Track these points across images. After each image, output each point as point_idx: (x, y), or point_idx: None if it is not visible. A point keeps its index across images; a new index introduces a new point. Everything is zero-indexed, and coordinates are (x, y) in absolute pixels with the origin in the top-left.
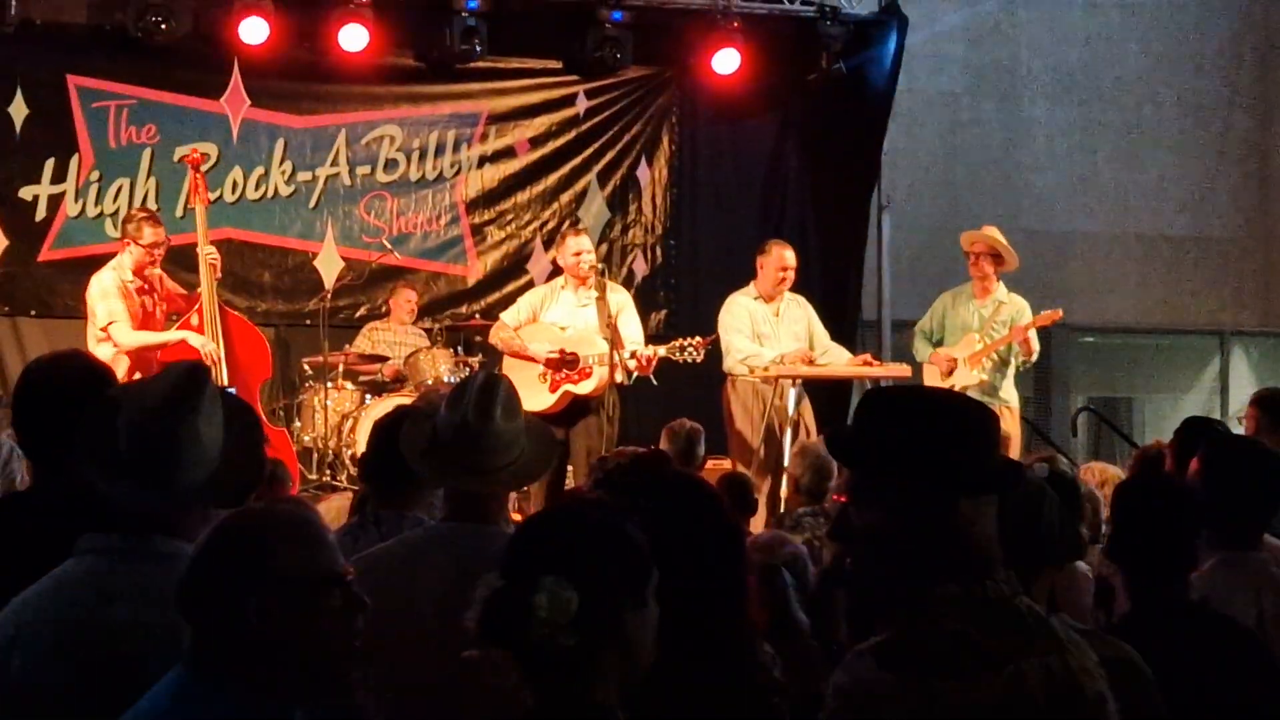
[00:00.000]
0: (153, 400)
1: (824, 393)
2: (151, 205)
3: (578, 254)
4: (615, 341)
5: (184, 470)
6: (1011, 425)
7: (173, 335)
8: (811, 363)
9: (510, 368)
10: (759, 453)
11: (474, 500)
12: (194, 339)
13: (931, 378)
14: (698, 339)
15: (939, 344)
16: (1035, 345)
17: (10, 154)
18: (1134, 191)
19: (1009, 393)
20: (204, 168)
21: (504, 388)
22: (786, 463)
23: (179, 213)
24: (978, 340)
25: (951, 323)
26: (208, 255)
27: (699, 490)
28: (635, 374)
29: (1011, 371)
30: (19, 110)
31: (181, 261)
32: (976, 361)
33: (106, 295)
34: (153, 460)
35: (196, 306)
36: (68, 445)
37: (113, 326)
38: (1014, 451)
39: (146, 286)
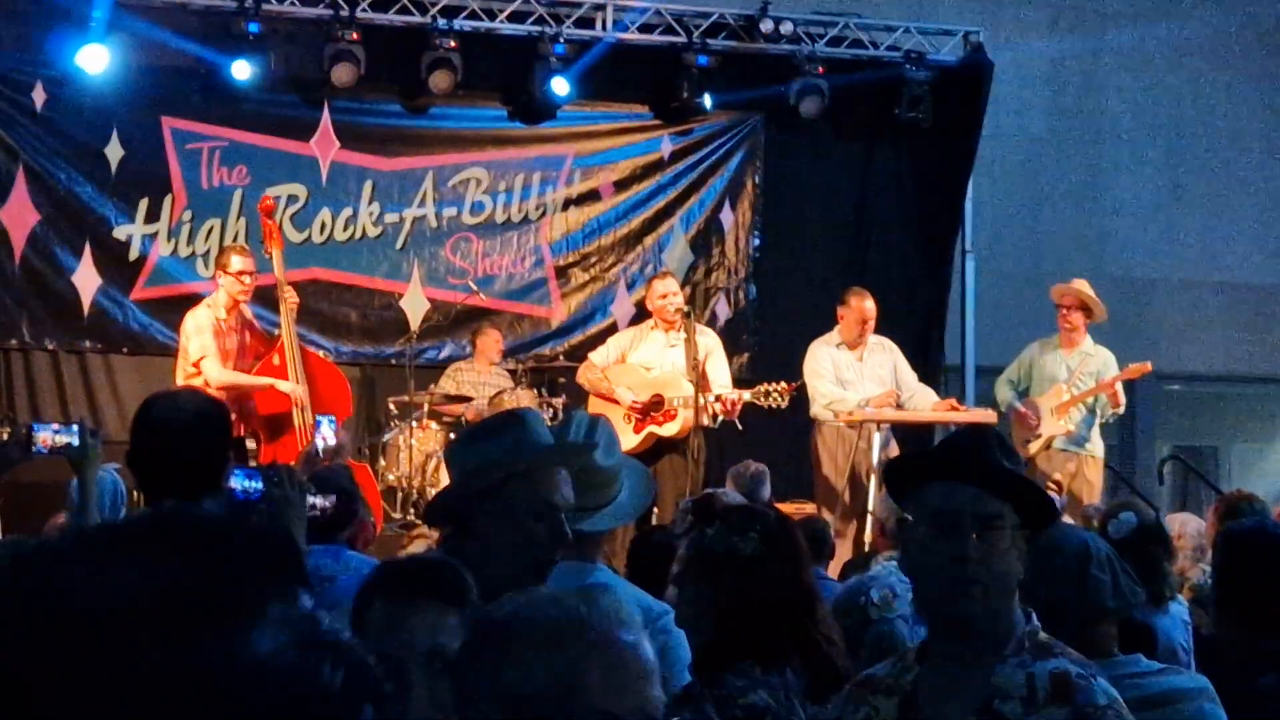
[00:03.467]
0: None
1: (908, 436)
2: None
3: (664, 296)
4: (701, 384)
5: None
6: (1094, 474)
7: (261, 380)
8: (898, 405)
9: (595, 407)
10: (844, 497)
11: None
12: (282, 385)
13: (1019, 428)
14: (783, 385)
15: (1025, 393)
16: (1123, 398)
17: (106, 194)
18: (1220, 238)
19: (1095, 444)
20: (277, 214)
21: (603, 426)
22: (871, 506)
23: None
24: (1065, 391)
25: (1039, 373)
26: (288, 297)
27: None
28: (720, 417)
29: (1097, 422)
30: (115, 151)
31: (271, 302)
32: (1063, 412)
33: (201, 331)
34: None
35: (278, 346)
36: (187, 479)
37: (204, 362)
38: (1095, 499)
39: (239, 325)
